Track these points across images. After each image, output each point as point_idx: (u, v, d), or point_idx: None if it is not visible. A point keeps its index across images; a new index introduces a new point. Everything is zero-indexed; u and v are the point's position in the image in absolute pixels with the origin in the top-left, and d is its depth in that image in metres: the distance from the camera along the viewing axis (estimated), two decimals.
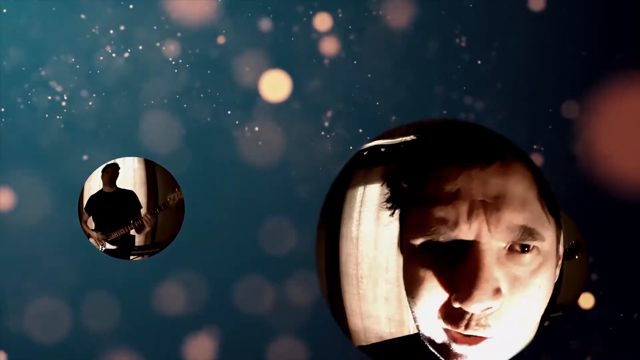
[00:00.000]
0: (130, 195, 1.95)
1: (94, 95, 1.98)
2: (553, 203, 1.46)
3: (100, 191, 1.96)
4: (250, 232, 1.98)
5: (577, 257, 1.83)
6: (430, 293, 1.43)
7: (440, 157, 1.40)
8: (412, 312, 1.47)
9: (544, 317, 1.51)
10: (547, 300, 1.49)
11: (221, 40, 1.93)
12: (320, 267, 1.54)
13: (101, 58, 1.95)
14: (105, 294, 2.01)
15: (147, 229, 1.96)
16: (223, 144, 1.97)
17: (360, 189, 1.48)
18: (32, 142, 1.97)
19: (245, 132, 1.97)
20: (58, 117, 1.97)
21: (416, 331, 1.47)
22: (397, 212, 1.45)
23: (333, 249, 1.51)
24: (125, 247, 1.97)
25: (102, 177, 1.96)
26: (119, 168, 1.96)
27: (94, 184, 1.95)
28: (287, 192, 1.95)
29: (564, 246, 1.51)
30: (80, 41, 1.94)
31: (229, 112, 1.96)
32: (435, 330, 1.45)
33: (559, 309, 1.90)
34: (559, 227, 1.48)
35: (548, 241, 1.43)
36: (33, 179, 1.98)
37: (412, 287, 1.45)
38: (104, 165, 1.96)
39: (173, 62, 1.95)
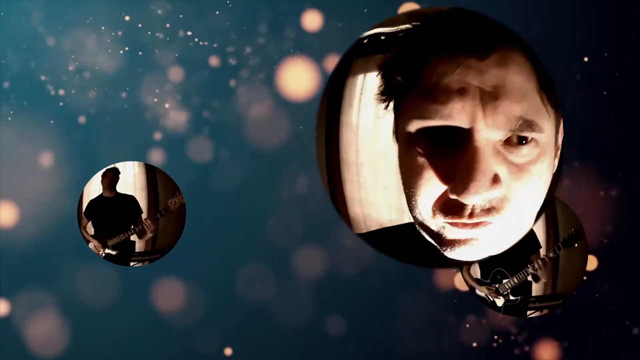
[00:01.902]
0: (130, 200, 1.94)
1: (94, 96, 1.98)
2: (553, 95, 1.43)
3: (100, 196, 1.94)
4: (254, 236, 1.97)
5: (576, 245, 1.88)
6: (426, 183, 1.40)
7: (436, 48, 1.37)
8: (409, 203, 1.43)
9: (539, 213, 1.48)
10: (546, 191, 1.45)
11: (222, 42, 1.96)
12: (320, 155, 1.52)
13: (102, 59, 1.96)
14: (106, 301, 1.97)
15: (148, 234, 1.94)
16: (224, 146, 1.98)
17: (361, 77, 1.46)
18: (31, 147, 1.95)
19: (246, 132, 1.98)
20: (52, 121, 1.96)
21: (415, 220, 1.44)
22: (391, 104, 1.43)
23: (333, 136, 1.49)
24: (125, 253, 1.95)
25: (102, 181, 1.94)
26: (119, 172, 1.94)
27: (93, 188, 1.94)
28: (291, 193, 1.96)
29: (562, 137, 1.47)
30: (80, 43, 1.95)
31: (226, 116, 1.98)
32: (434, 222, 1.42)
33: (558, 297, 1.94)
34: (558, 118, 1.45)
35: (547, 133, 1.40)
36: (33, 186, 1.95)
37: (407, 177, 1.42)
38: (103, 170, 1.94)
39: (173, 64, 1.97)
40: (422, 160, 1.39)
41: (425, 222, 1.44)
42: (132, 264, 1.95)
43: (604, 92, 1.79)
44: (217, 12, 1.91)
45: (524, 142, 1.38)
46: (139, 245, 1.95)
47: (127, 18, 1.93)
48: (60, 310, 1.95)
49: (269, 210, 1.97)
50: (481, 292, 1.90)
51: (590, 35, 1.78)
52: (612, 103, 1.79)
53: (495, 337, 2.04)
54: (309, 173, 1.95)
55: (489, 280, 1.88)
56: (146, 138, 1.97)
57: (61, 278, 1.96)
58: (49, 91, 1.95)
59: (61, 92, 1.95)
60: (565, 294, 1.85)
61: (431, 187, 1.40)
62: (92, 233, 1.95)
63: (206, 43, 1.93)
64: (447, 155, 1.38)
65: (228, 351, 1.97)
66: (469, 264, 1.55)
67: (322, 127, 1.51)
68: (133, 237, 1.94)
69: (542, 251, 1.84)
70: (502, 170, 1.38)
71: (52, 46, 1.94)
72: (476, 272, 1.88)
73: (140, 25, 1.93)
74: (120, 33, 1.93)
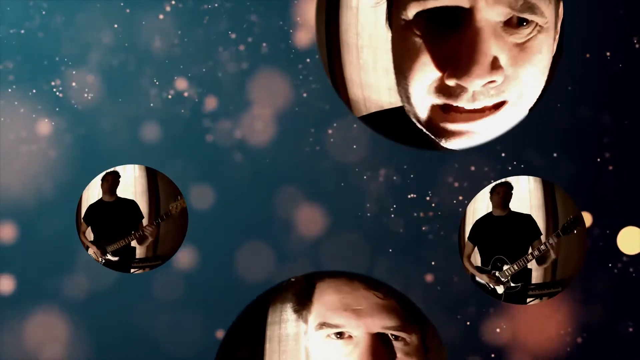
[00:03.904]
0: (131, 204, 1.89)
1: (94, 97, 1.93)
2: None
3: (100, 200, 1.88)
4: (257, 240, 1.95)
5: (575, 231, 1.95)
6: (422, 68, 1.36)
7: None
8: (405, 92, 1.41)
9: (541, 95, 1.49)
10: (547, 72, 1.46)
11: (223, 47, 1.97)
12: (320, 37, 1.49)
13: (100, 60, 1.92)
14: (106, 308, 1.90)
15: (149, 240, 1.89)
16: (224, 148, 1.97)
17: None
18: (30, 147, 1.88)
19: (246, 133, 1.98)
20: (51, 121, 1.90)
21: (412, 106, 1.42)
22: None
23: (333, 18, 1.47)
24: (126, 259, 1.88)
25: (102, 185, 1.88)
26: (119, 176, 1.89)
27: (92, 192, 1.87)
28: (294, 194, 1.96)
29: (560, 21, 1.48)
30: (78, 43, 1.91)
31: (225, 117, 1.98)
32: (430, 109, 1.41)
33: (558, 285, 2.00)
34: (558, 2, 1.44)
35: (547, 17, 1.39)
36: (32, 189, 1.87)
37: (400, 61, 1.38)
38: (103, 173, 1.89)
39: (175, 64, 1.95)
40: (419, 42, 1.35)
41: (418, 114, 1.42)
42: (132, 270, 1.89)
43: (604, 90, 1.88)
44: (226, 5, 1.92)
45: (524, 23, 1.38)
46: (140, 251, 1.90)
47: (129, 17, 1.91)
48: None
49: (271, 210, 1.96)
50: (482, 279, 1.94)
51: (590, 34, 1.86)
52: (612, 102, 1.88)
53: (495, 331, 2.06)
54: (310, 172, 1.96)
55: (489, 268, 1.92)
56: (147, 139, 1.93)
57: (61, 280, 1.88)
58: (48, 91, 1.90)
59: (60, 91, 1.91)
60: (565, 280, 1.91)
61: (427, 72, 1.37)
62: (92, 239, 1.88)
63: (206, 49, 1.93)
64: (446, 38, 1.34)
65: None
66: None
67: (322, 10, 1.49)
68: (133, 243, 1.89)
69: (542, 238, 1.90)
70: (502, 56, 1.36)
71: (51, 46, 1.89)
72: (477, 259, 1.93)
73: (142, 25, 1.92)
74: (120, 31, 1.91)
